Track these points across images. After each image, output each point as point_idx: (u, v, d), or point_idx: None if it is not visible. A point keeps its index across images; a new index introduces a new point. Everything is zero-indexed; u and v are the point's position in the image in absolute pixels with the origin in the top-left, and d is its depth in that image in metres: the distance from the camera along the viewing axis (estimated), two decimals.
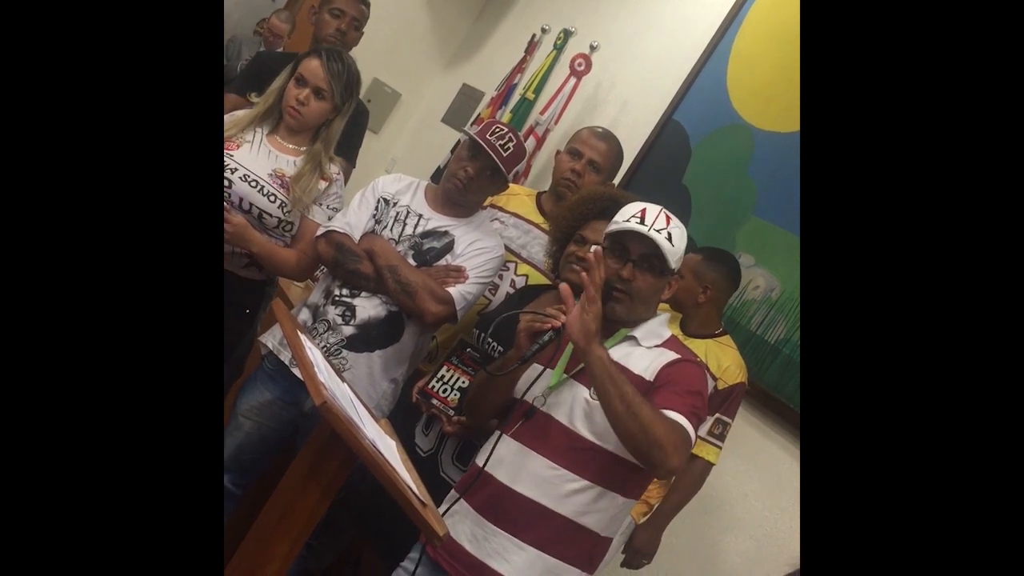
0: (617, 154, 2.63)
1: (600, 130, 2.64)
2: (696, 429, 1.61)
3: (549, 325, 1.63)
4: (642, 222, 1.69)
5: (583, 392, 1.69)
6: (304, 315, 2.19)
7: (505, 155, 2.12)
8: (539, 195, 2.61)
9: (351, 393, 1.70)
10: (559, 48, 3.91)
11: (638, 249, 1.69)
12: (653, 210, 1.72)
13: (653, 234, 1.67)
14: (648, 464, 1.56)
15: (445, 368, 2.13)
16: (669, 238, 1.69)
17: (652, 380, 1.66)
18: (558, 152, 2.63)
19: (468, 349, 2.13)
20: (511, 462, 1.70)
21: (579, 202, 2.11)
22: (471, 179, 2.14)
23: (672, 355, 1.70)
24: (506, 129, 2.17)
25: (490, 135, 2.13)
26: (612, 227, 1.74)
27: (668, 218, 1.72)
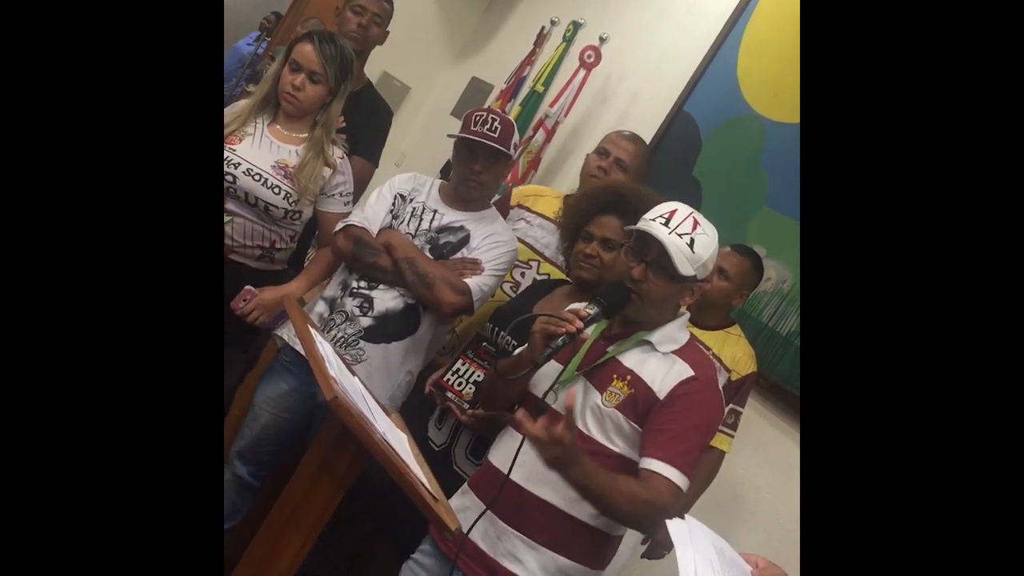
0: (644, 156, 2.67)
1: (628, 133, 2.70)
2: (693, 465, 1.59)
3: (564, 329, 1.59)
4: (667, 224, 1.63)
5: (596, 397, 1.67)
6: (320, 307, 2.22)
7: (496, 136, 2.15)
8: (566, 197, 2.61)
9: (362, 387, 1.71)
10: (568, 40, 3.89)
11: (655, 252, 1.63)
12: (682, 212, 1.64)
13: (673, 238, 1.61)
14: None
15: (460, 361, 2.14)
16: (691, 244, 1.62)
17: (662, 399, 1.62)
18: (588, 155, 2.65)
19: (484, 343, 2.13)
20: (524, 462, 1.64)
21: (584, 197, 2.11)
22: (481, 175, 2.18)
23: (687, 372, 1.64)
24: (485, 112, 2.21)
25: (475, 126, 2.16)
26: (638, 224, 1.67)
27: (696, 223, 1.64)
